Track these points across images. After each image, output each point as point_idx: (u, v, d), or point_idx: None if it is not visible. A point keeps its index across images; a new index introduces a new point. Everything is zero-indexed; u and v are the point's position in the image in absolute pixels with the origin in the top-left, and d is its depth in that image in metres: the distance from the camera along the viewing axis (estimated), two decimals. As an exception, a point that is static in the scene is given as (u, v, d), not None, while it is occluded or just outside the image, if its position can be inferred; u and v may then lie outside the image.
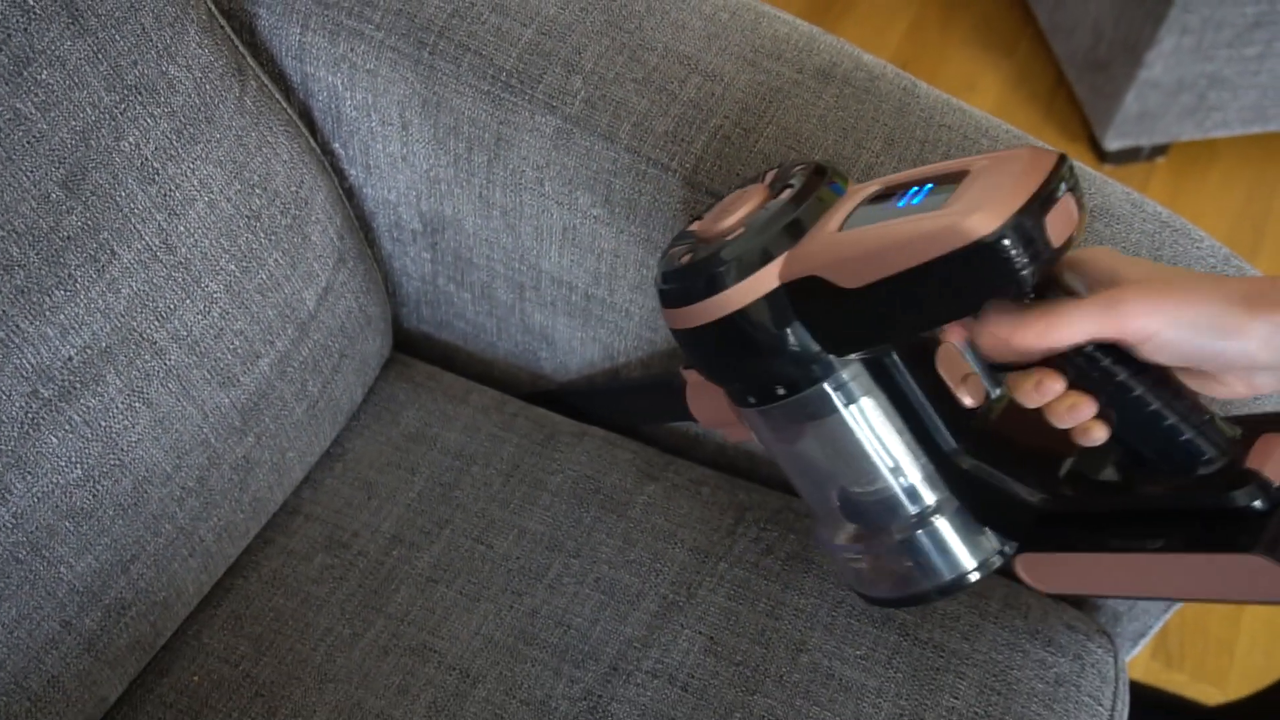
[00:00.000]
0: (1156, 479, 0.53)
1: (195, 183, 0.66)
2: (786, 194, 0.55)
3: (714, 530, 0.76)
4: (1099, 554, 0.55)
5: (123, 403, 0.64)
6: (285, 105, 0.75)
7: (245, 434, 0.72)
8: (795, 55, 0.71)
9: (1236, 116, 1.56)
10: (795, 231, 0.54)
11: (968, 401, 0.55)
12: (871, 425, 0.57)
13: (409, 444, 0.81)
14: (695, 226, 0.59)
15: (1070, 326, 0.49)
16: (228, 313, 0.69)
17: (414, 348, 0.91)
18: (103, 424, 0.63)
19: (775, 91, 0.70)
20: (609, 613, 0.72)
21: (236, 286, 0.70)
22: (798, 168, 0.57)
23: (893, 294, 0.50)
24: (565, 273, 0.76)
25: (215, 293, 0.68)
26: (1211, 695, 1.19)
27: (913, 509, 0.58)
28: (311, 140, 0.77)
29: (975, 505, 0.57)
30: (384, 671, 0.70)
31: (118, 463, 0.64)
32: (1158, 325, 0.48)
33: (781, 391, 0.56)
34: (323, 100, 0.76)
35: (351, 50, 0.73)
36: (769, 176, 0.59)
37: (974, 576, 0.58)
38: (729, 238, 0.55)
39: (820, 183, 0.55)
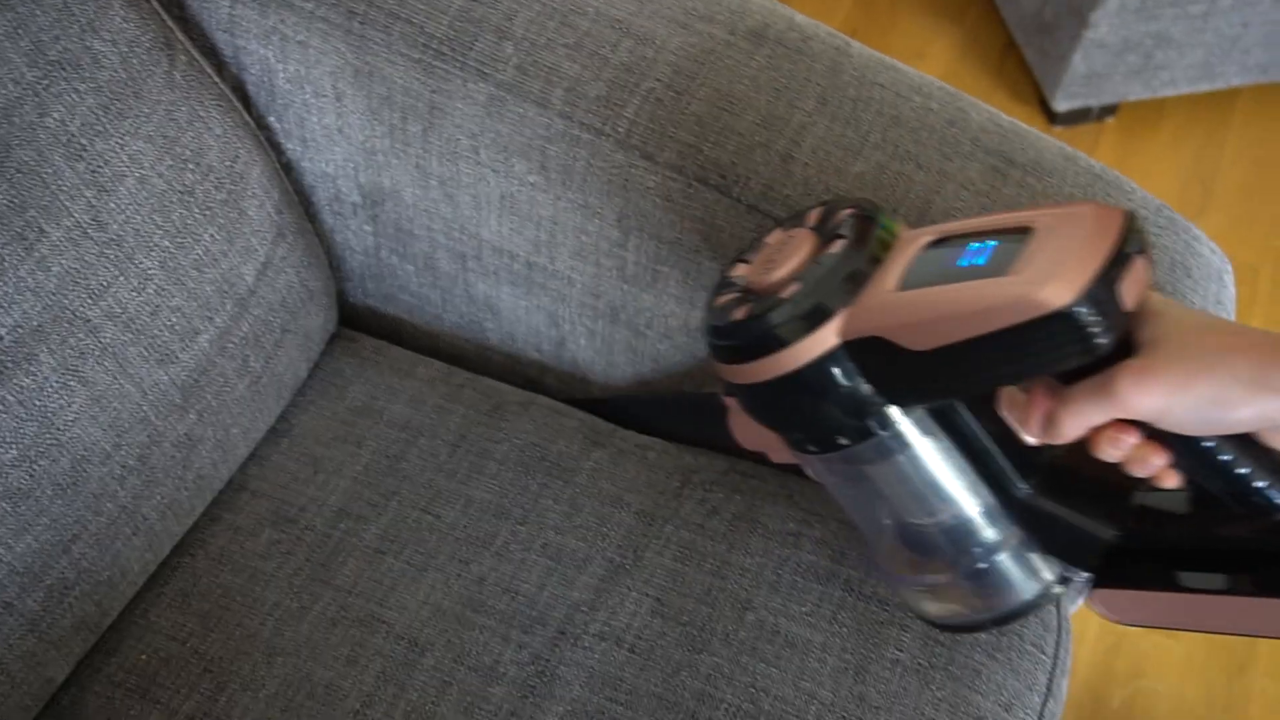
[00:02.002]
0: (1232, 520, 0.52)
1: (124, 158, 0.66)
2: (840, 245, 0.53)
3: (660, 494, 0.76)
4: (1175, 593, 0.54)
5: (57, 381, 0.64)
6: (217, 79, 0.74)
7: (186, 411, 0.72)
8: (727, 17, 0.71)
9: (1183, 75, 1.57)
10: (854, 286, 0.52)
11: (1033, 440, 0.53)
12: (934, 464, 0.55)
13: (355, 418, 0.81)
14: (741, 272, 0.57)
15: (1074, 418, 0.49)
16: (163, 289, 0.69)
17: (360, 323, 0.90)
18: (37, 403, 0.63)
19: (707, 53, 0.70)
20: (556, 578, 0.72)
21: (171, 263, 0.69)
22: (845, 212, 0.55)
23: (961, 358, 0.49)
24: (506, 241, 0.76)
25: (149, 269, 0.68)
26: (1168, 646, 1.21)
27: (977, 541, 0.57)
28: (245, 114, 0.76)
29: (1043, 538, 0.56)
30: (332, 643, 0.71)
31: (55, 442, 0.64)
32: (1158, 405, 0.47)
33: (843, 441, 0.55)
34: (255, 74, 0.76)
35: (282, 22, 0.73)
36: (812, 218, 0.57)
37: (1042, 602, 0.58)
38: (785, 293, 0.53)
39: (872, 229, 0.54)
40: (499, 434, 0.80)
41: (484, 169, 0.73)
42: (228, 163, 0.73)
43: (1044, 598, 0.58)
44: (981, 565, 0.57)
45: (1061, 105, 1.59)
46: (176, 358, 0.70)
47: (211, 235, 0.71)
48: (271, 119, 0.78)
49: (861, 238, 0.53)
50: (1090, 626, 1.22)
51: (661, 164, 0.68)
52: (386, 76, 0.71)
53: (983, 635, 0.70)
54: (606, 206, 0.70)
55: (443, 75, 0.70)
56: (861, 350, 0.51)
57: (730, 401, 0.64)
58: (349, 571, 0.73)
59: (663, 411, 0.81)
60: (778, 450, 0.61)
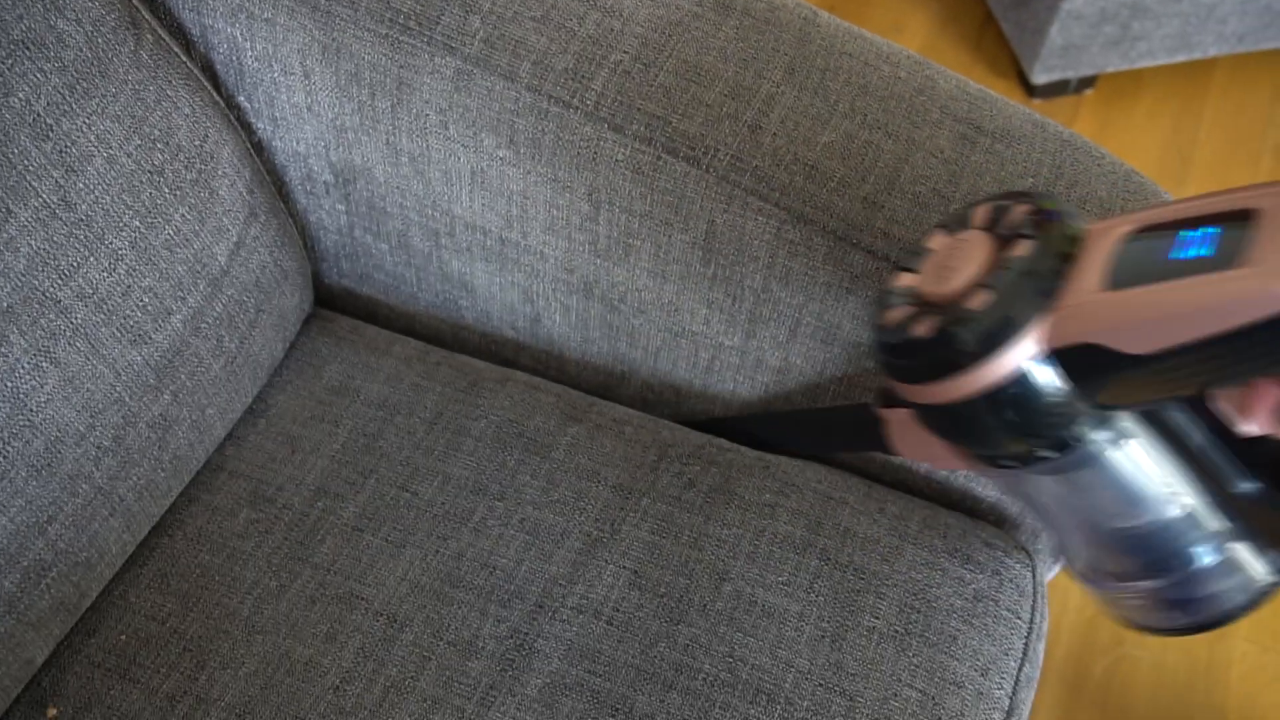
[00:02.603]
0: None
1: (92, 138, 0.66)
2: (1025, 246, 0.49)
3: (637, 467, 0.76)
4: None
5: (29, 363, 0.64)
6: (185, 59, 0.74)
7: (161, 391, 0.72)
8: (695, -12, 0.71)
9: (1161, 45, 1.57)
10: (1050, 290, 0.48)
11: (1252, 430, 0.48)
12: (1142, 466, 0.51)
13: (332, 397, 0.81)
14: (908, 282, 0.54)
15: None
16: (134, 269, 0.69)
17: (336, 303, 0.90)
18: (9, 384, 0.63)
19: (674, 25, 0.70)
20: (534, 552, 0.72)
21: (142, 243, 0.69)
22: (1021, 208, 0.52)
23: (1191, 359, 0.44)
24: (477, 217, 0.76)
25: (120, 249, 0.68)
26: (1147, 614, 1.21)
27: (1189, 541, 0.53)
28: (215, 94, 0.76)
29: (1267, 531, 0.53)
30: (311, 620, 0.71)
31: (27, 423, 0.64)
32: None
33: (1045, 454, 0.51)
34: (224, 52, 0.76)
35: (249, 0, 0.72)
36: (979, 217, 0.53)
37: (1259, 600, 0.54)
38: (973, 303, 0.49)
39: (1056, 225, 0.50)
40: (476, 410, 0.80)
41: (453, 144, 0.73)
42: (197, 142, 0.72)
43: (1261, 595, 0.53)
44: (1195, 566, 0.53)
45: (1040, 78, 1.60)
46: (150, 338, 0.70)
47: (182, 215, 0.71)
48: (241, 98, 0.78)
49: (1048, 236, 0.49)
50: (1071, 596, 1.23)
51: (630, 136, 0.68)
52: (354, 52, 0.71)
53: (958, 602, 0.70)
54: (576, 180, 0.70)
55: (410, 50, 0.70)
56: (1068, 358, 0.47)
57: (891, 414, 0.61)
58: (327, 549, 0.74)
59: (796, 429, 0.76)
60: (950, 460, 0.58)
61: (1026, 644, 0.71)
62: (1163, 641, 1.20)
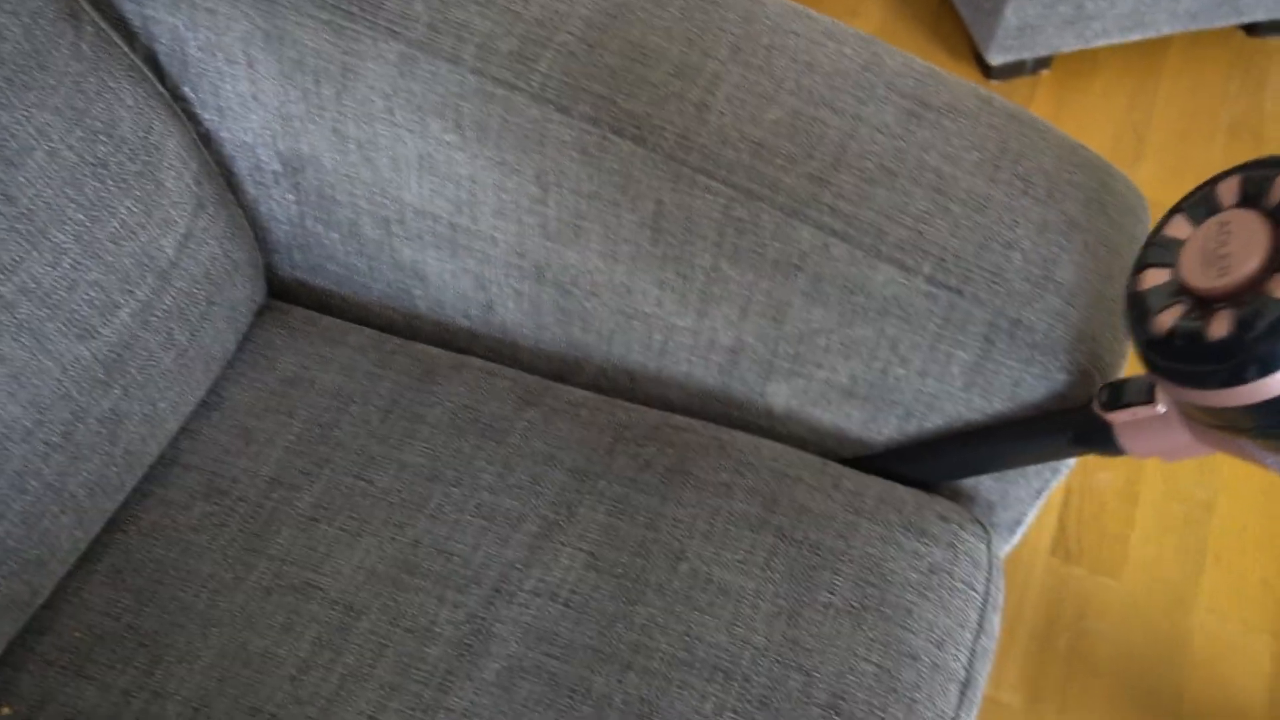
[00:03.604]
0: None
1: (32, 131, 0.65)
2: None
3: (593, 450, 0.76)
4: None
5: (-28, 358, 0.63)
6: (127, 50, 0.73)
7: (110, 386, 0.71)
8: (639, -31, 0.71)
9: (1115, 24, 1.58)
10: None
11: None
12: None
13: (286, 388, 0.81)
14: (1161, 279, 0.50)
15: None
16: (79, 263, 0.68)
17: (290, 295, 0.90)
18: (-48, 380, 0.62)
19: (620, 5, 0.69)
20: (490, 537, 0.72)
21: (87, 236, 0.68)
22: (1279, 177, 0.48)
23: None
24: (427, 203, 0.76)
25: (64, 243, 0.67)
26: (1110, 587, 1.23)
27: None
28: (159, 85, 0.75)
29: None
30: (267, 611, 0.70)
31: (-28, 419, 0.63)
32: None
33: None
34: (166, 43, 0.75)
35: (189, -12, 0.72)
36: (1228, 194, 0.50)
37: None
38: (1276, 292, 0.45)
39: None
40: (431, 398, 0.79)
41: (400, 130, 0.72)
42: (141, 134, 0.72)
43: None
44: None
45: (996, 59, 1.60)
46: (97, 332, 0.69)
47: (128, 208, 0.71)
48: (186, 89, 0.77)
49: None
50: (1035, 572, 1.24)
51: (577, 117, 0.68)
52: (296, 39, 0.71)
53: (913, 576, 0.70)
54: (524, 162, 0.70)
55: (353, 36, 0.70)
56: None
57: (1123, 415, 0.58)
58: (283, 540, 0.73)
59: (1003, 446, 0.70)
60: (1189, 451, 0.55)
61: (982, 616, 0.71)
62: (1124, 613, 1.21)
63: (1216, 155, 1.59)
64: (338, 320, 0.86)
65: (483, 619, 0.69)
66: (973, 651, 0.70)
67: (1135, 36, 1.61)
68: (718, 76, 0.68)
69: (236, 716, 0.67)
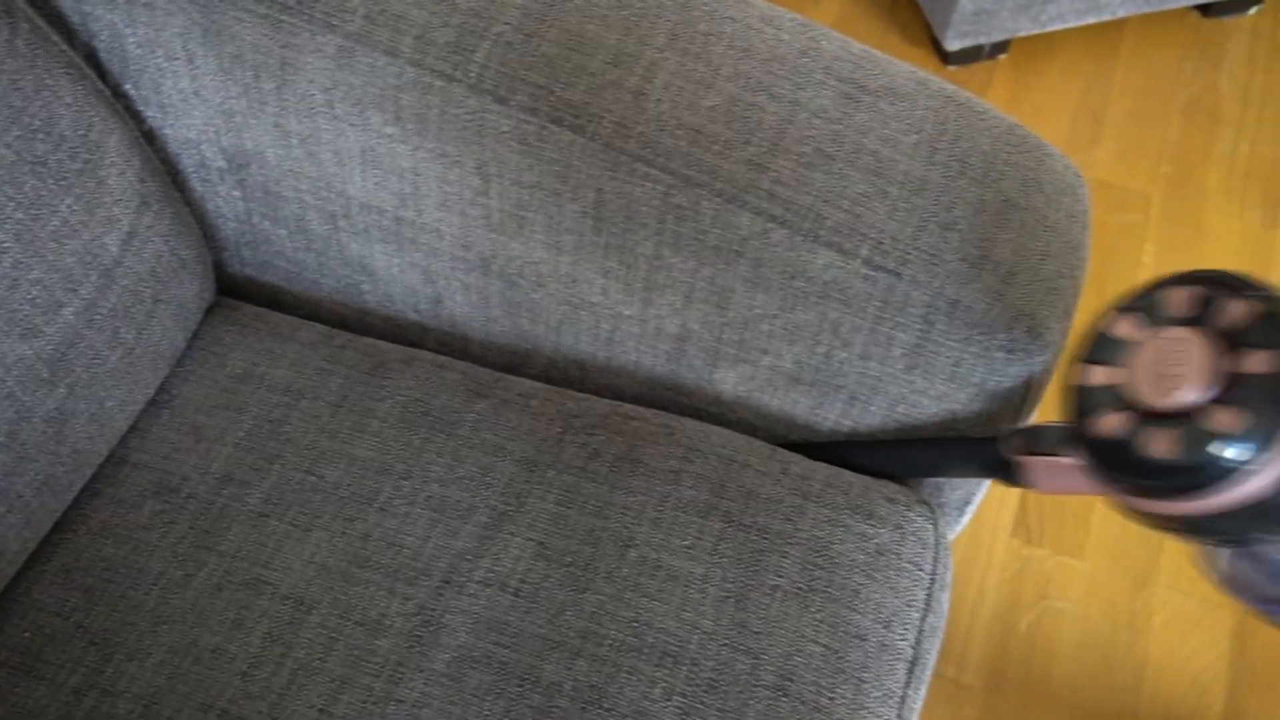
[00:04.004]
0: None
1: (-34, 130, 0.65)
2: (1265, 360, 0.48)
3: (542, 440, 0.76)
4: None
5: (-90, 359, 0.63)
6: (66, 47, 0.73)
7: (55, 385, 0.71)
8: (577, -42, 0.71)
9: (1070, 8, 1.59)
10: None
11: None
12: None
13: (236, 385, 0.81)
14: (1114, 381, 0.52)
15: None
16: (20, 262, 0.68)
17: (241, 292, 0.90)
18: (-110, 382, 0.62)
19: (556, -5, 0.70)
20: (440, 529, 0.72)
21: (28, 235, 0.68)
22: (1237, 306, 0.50)
23: None
24: (372, 197, 0.76)
25: (4, 242, 0.67)
26: (1071, 566, 1.24)
27: None
28: (100, 83, 0.75)
29: None
30: (218, 608, 0.70)
31: (-88, 421, 0.63)
32: None
33: (1273, 539, 0.51)
34: (106, 40, 0.75)
35: (125, -15, 0.71)
36: (1178, 306, 0.52)
37: None
38: (1223, 425, 0.48)
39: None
40: (381, 392, 0.80)
41: (341, 123, 0.72)
42: (81, 131, 0.71)
43: None
44: None
45: (953, 44, 1.61)
46: (40, 331, 0.69)
47: (69, 206, 0.70)
48: (128, 86, 0.77)
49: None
50: (996, 553, 1.25)
51: (515, 107, 0.68)
52: (235, 34, 0.71)
53: (860, 557, 0.71)
54: (465, 153, 0.70)
55: (290, 29, 0.70)
56: None
57: (1034, 462, 0.61)
58: (233, 536, 0.73)
59: (911, 456, 0.74)
60: (1094, 493, 0.58)
61: (929, 595, 0.72)
62: (1085, 592, 1.22)
63: (1172, 136, 1.60)
64: (288, 316, 0.86)
65: (433, 610, 0.70)
66: (920, 630, 0.70)
67: (1090, 20, 1.62)
68: (655, 64, 0.68)
69: (187, 713, 0.67)
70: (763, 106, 0.68)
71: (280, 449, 0.77)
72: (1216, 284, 0.51)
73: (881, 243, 0.66)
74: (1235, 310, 0.50)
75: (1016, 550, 1.25)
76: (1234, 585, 0.58)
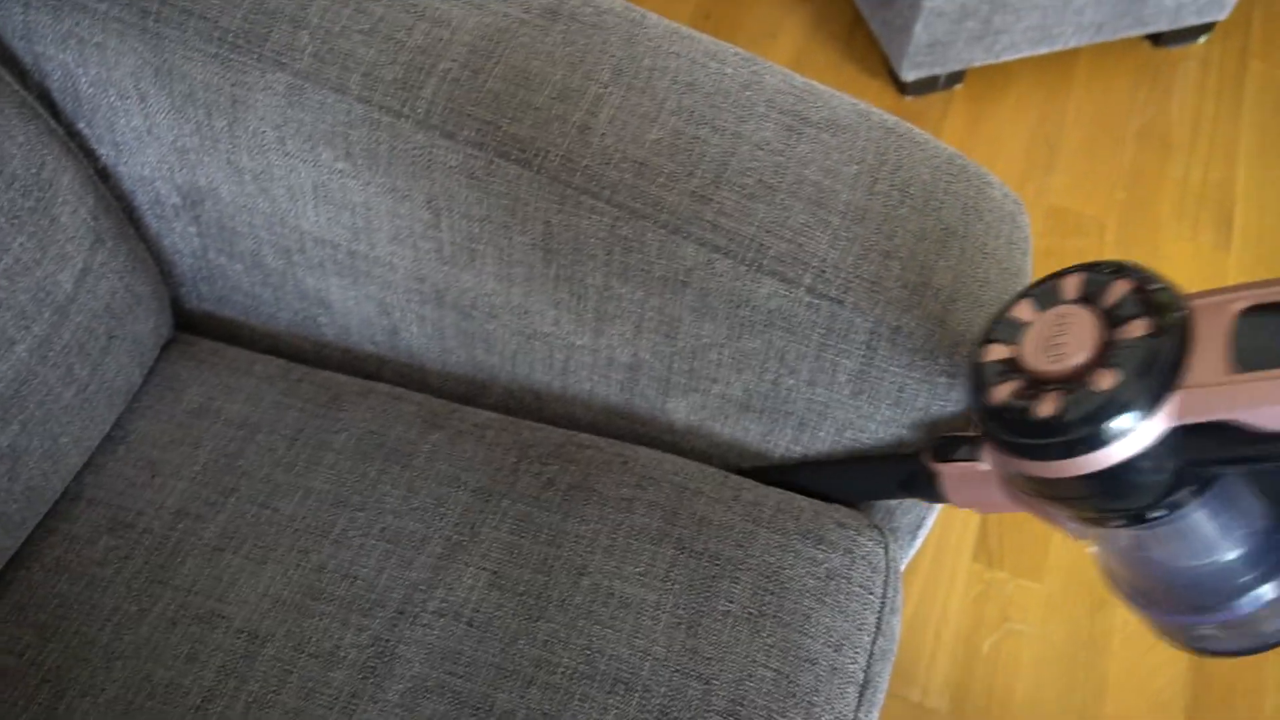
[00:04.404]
0: None
1: (-83, 170, 0.65)
2: (1142, 325, 0.51)
3: (497, 470, 0.77)
4: None
5: None
6: (19, 87, 0.74)
7: (8, 422, 0.71)
8: (524, -4, 0.73)
9: (1023, 38, 1.62)
10: (1173, 370, 0.50)
11: None
12: (1220, 512, 0.54)
13: (192, 419, 0.81)
14: (1002, 354, 0.56)
15: None
16: (-28, 300, 0.68)
17: (200, 328, 0.90)
18: None
19: (502, 31, 0.71)
20: (394, 560, 0.73)
21: (-21, 273, 0.68)
22: (1120, 284, 0.53)
23: None
24: (325, 231, 0.77)
25: (-45, 281, 0.67)
26: (1032, 589, 1.25)
27: (1249, 577, 0.55)
28: (53, 122, 0.76)
29: None
30: (172, 643, 0.71)
31: None
32: None
33: (1155, 515, 0.53)
34: (58, 80, 0.75)
35: (77, 25, 0.72)
36: (1071, 289, 0.55)
37: None
38: (1102, 384, 0.50)
39: (1166, 305, 0.51)
40: (337, 424, 0.80)
41: (293, 159, 0.73)
42: (34, 170, 0.72)
43: None
44: (1252, 600, 0.55)
45: (909, 75, 1.63)
46: (-8, 369, 0.70)
47: (21, 244, 0.71)
48: (81, 125, 0.78)
49: (1162, 315, 0.51)
50: (958, 577, 1.26)
51: (462, 141, 0.69)
52: (186, 73, 0.72)
53: (810, 582, 0.72)
54: (414, 188, 0.71)
55: (240, 68, 0.70)
56: (1194, 432, 0.50)
57: (946, 468, 0.65)
58: (188, 571, 0.73)
59: (853, 474, 0.76)
60: (1016, 509, 0.61)
61: (880, 618, 0.73)
62: (1045, 614, 1.23)
63: (1126, 162, 1.63)
64: (245, 351, 0.86)
65: (387, 641, 0.70)
66: (871, 654, 0.71)
67: (1043, 50, 1.65)
68: (600, 99, 0.70)
69: (141, 748, 0.67)
70: (706, 139, 0.70)
71: (236, 483, 0.77)
72: (1102, 269, 0.55)
73: (824, 271, 0.67)
74: (1116, 288, 0.53)
75: (978, 574, 1.26)
76: (1113, 580, 0.60)
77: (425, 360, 0.84)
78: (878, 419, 0.71)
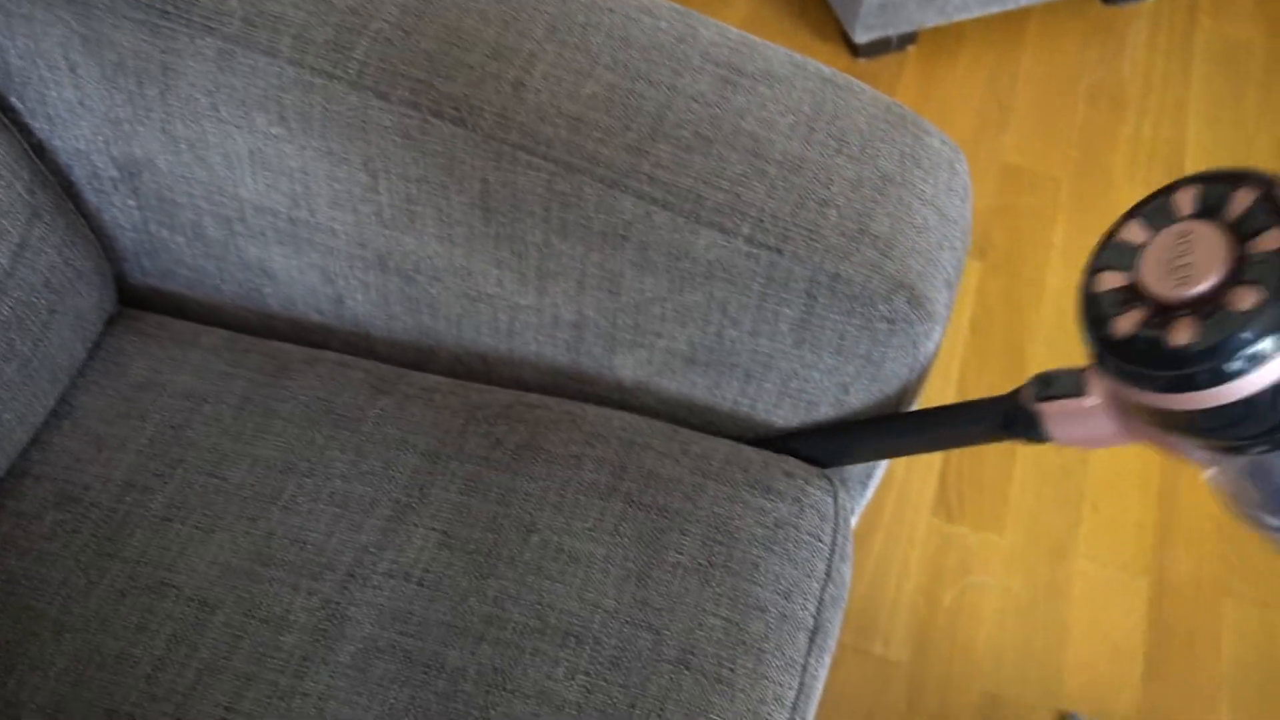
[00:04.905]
0: None
1: None
2: (1272, 235, 0.48)
3: (445, 432, 0.77)
4: None
5: None
6: (-53, 61, 0.73)
7: (-52, 399, 0.71)
8: (455, -45, 0.72)
9: (973, -1, 1.62)
10: None
11: None
12: None
13: (138, 393, 0.81)
14: (1118, 283, 0.52)
15: None
16: (-95, 276, 0.68)
17: (146, 302, 0.90)
18: None
19: (434, -9, 0.71)
20: (344, 524, 0.73)
21: (-88, 249, 0.68)
22: (1243, 194, 0.50)
23: None
24: (264, 199, 0.76)
25: (-113, 256, 0.67)
26: (992, 541, 1.26)
27: None
28: (-16, 96, 0.75)
29: None
30: (121, 613, 0.70)
31: None
32: None
33: None
34: (-12, 52, 0.75)
35: (3, -5, 0.71)
36: (1185, 204, 0.52)
37: None
38: (1242, 304, 0.47)
39: None
40: (284, 392, 0.80)
41: (227, 126, 0.73)
42: (-35, 144, 0.71)
43: None
44: None
45: (861, 37, 1.63)
46: (-70, 345, 0.69)
47: (-45, 219, 0.70)
48: (14, 99, 0.77)
49: None
50: (918, 531, 1.27)
51: (396, 102, 0.69)
52: (114, 42, 0.71)
53: (759, 531, 0.72)
54: (350, 150, 0.71)
55: (169, 34, 0.70)
56: None
57: (1054, 407, 0.60)
58: (136, 542, 0.73)
59: (921, 430, 0.71)
60: (1131, 441, 0.57)
61: (829, 565, 0.73)
62: (1006, 566, 1.25)
63: (1078, 120, 1.64)
64: (191, 323, 0.86)
65: (337, 604, 0.70)
66: (821, 600, 0.72)
67: (995, 9, 1.65)
68: (534, 56, 0.70)
69: (92, 718, 0.67)
70: (641, 93, 0.69)
71: (183, 453, 0.77)
72: (1219, 179, 0.51)
73: (762, 221, 0.68)
74: (1239, 199, 0.49)
75: (938, 528, 1.27)
76: (1238, 502, 0.56)
77: (371, 328, 0.84)
78: (821, 367, 0.72)
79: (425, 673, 0.67)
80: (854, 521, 0.88)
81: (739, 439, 0.79)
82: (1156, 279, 0.50)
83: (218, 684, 0.68)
